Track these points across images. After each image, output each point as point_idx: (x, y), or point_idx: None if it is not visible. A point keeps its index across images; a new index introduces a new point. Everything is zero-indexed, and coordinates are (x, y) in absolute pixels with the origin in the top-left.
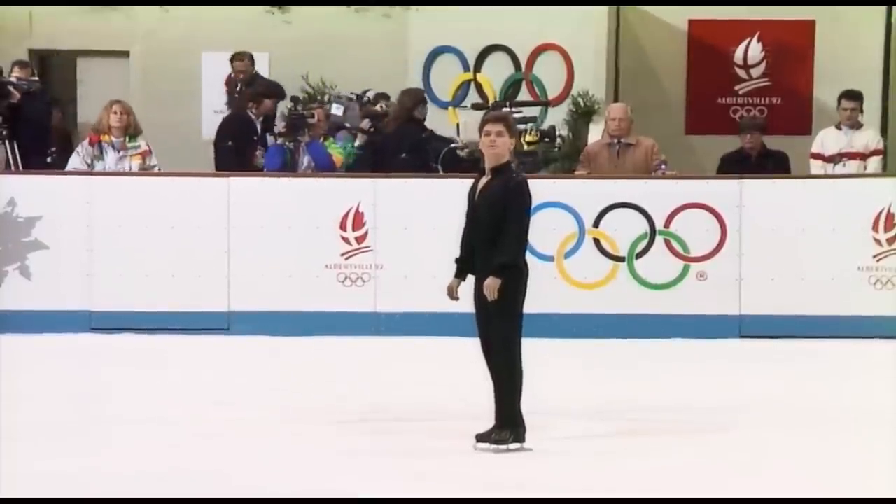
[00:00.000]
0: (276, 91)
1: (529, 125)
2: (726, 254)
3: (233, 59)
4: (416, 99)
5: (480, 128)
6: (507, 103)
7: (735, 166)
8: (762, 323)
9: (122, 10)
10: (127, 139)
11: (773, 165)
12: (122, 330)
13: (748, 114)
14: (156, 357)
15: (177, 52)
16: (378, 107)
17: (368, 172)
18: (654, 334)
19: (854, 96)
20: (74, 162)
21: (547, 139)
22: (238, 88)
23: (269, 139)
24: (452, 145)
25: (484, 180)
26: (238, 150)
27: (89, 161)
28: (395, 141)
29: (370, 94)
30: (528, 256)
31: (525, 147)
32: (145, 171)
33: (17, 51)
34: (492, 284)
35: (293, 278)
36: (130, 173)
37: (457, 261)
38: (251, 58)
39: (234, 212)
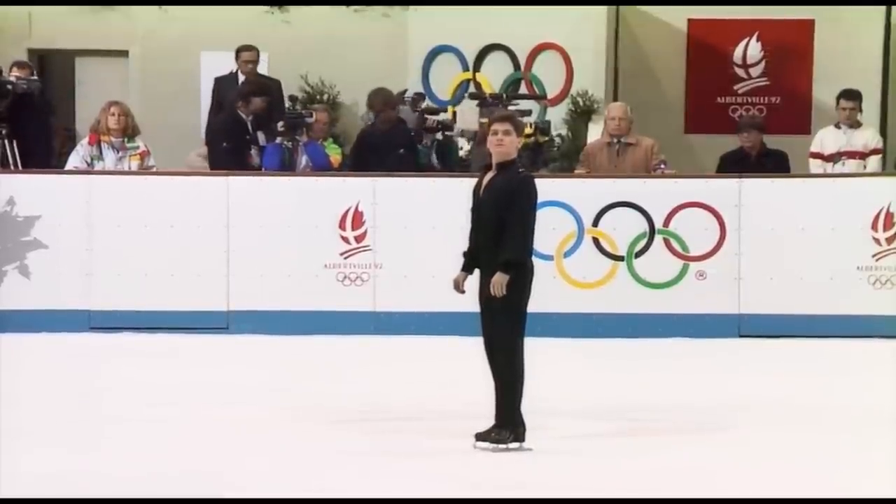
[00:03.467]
0: (265, 89)
1: (525, 118)
2: (725, 253)
3: (241, 51)
4: (397, 98)
5: (487, 127)
6: (504, 96)
7: (735, 165)
8: (761, 322)
9: (120, 10)
10: (126, 140)
11: (773, 165)
12: (122, 329)
13: (747, 113)
14: (155, 356)
15: (176, 53)
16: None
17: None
18: (654, 333)
19: (852, 96)
20: (74, 161)
21: (542, 132)
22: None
23: (261, 137)
24: (447, 133)
25: (489, 176)
26: (232, 150)
27: (88, 161)
28: (388, 141)
29: (409, 96)
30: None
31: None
32: (141, 170)
33: (17, 51)
34: (499, 280)
35: (292, 278)
36: (130, 172)
37: (464, 254)
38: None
39: (234, 211)
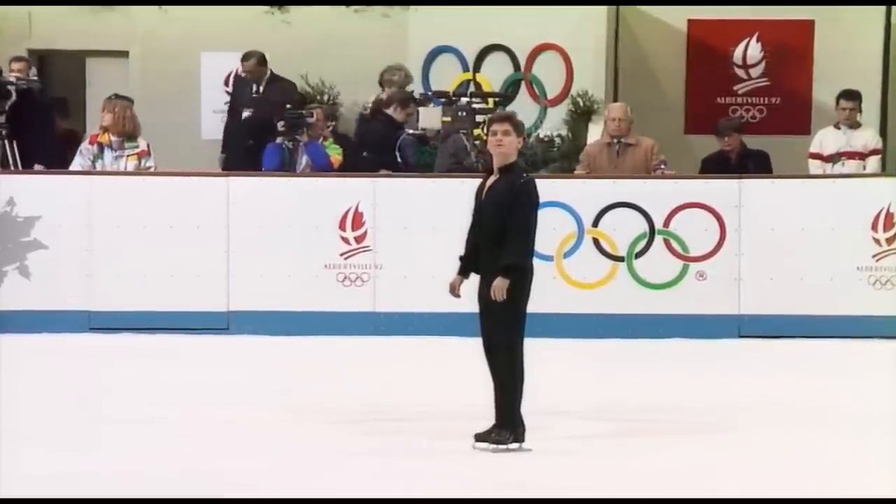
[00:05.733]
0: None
1: (488, 117)
2: (725, 253)
3: (245, 60)
4: (392, 98)
5: (487, 127)
6: (469, 93)
7: (715, 168)
8: (761, 323)
9: (121, 10)
10: (125, 139)
11: (754, 165)
12: (122, 330)
13: (747, 114)
14: (155, 357)
15: (176, 53)
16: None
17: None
18: (654, 334)
19: (852, 96)
20: (78, 161)
21: None
22: (256, 90)
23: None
24: (410, 132)
25: (491, 180)
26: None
27: (91, 159)
28: (361, 139)
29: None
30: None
31: (483, 139)
32: (141, 171)
33: (17, 51)
34: (499, 285)
35: (292, 278)
36: (130, 173)
37: (461, 258)
38: (261, 58)
39: (234, 212)
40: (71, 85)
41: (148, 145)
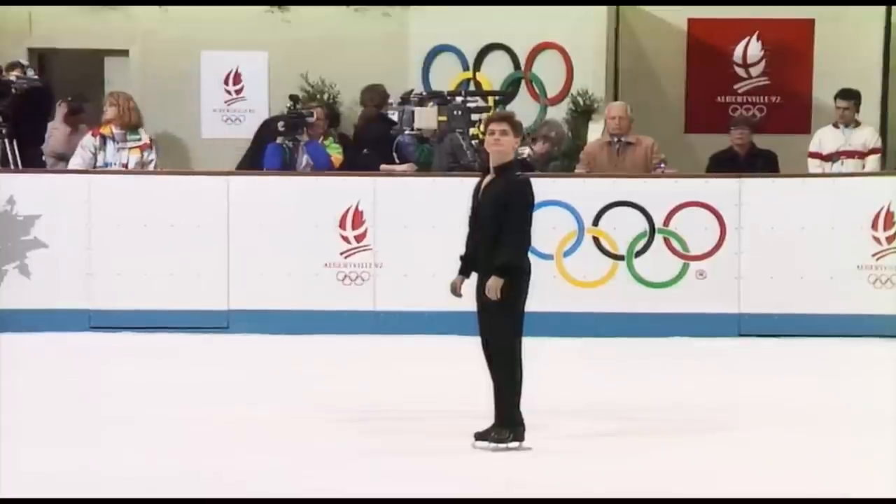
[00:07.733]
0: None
1: (483, 115)
2: (725, 252)
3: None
4: (383, 97)
5: (485, 127)
6: (462, 92)
7: (724, 165)
8: (761, 321)
9: (121, 9)
10: (127, 132)
11: (763, 164)
12: (122, 329)
13: (747, 112)
14: (155, 356)
15: (176, 52)
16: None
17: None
18: (654, 333)
19: (849, 95)
20: (78, 154)
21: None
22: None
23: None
24: (407, 132)
25: (488, 179)
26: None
27: (93, 151)
28: (362, 138)
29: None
30: (529, 255)
31: (479, 137)
32: (143, 164)
33: (17, 51)
34: (494, 285)
35: (292, 277)
36: (130, 172)
37: (461, 258)
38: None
39: (234, 211)
40: (69, 85)
41: (151, 139)
